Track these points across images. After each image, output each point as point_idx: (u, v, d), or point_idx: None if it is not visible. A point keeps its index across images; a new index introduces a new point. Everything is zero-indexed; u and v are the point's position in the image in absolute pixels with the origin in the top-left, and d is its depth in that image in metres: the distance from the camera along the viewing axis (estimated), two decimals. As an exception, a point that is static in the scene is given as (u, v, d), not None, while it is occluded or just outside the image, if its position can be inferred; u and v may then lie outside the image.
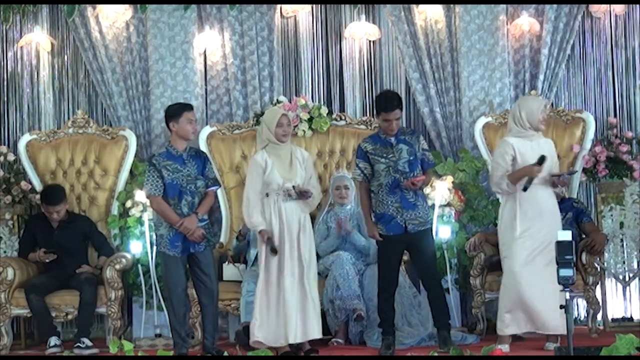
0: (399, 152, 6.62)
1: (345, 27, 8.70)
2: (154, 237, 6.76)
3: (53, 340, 7.29)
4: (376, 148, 6.66)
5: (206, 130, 8.23)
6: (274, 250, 6.49)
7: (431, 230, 6.87)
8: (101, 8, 8.56)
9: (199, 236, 6.51)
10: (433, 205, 7.61)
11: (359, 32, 8.68)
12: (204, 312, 6.71)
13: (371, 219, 6.68)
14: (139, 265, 7.74)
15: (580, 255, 7.29)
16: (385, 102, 6.65)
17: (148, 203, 7.25)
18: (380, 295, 6.72)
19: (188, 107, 6.73)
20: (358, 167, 6.69)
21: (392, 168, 6.61)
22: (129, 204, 7.88)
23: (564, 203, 7.33)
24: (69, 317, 7.49)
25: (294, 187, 6.53)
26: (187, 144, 6.67)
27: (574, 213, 7.43)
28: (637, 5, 8.54)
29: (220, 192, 7.84)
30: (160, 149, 8.33)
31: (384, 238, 6.63)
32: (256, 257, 7.59)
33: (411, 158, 6.62)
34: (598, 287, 7.53)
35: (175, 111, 6.63)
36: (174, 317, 6.58)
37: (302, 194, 6.54)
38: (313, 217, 7.86)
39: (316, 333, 6.55)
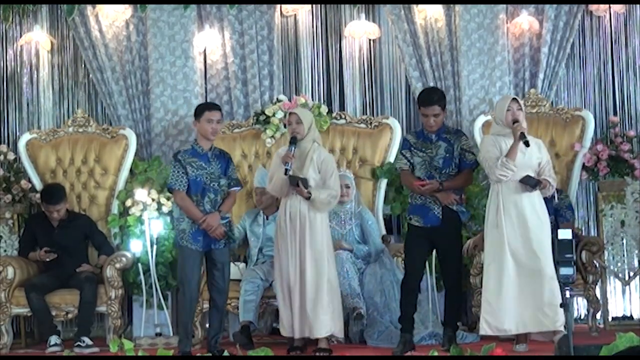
0: (437, 148, 6.66)
1: (345, 26, 8.70)
2: (175, 232, 6.82)
3: (53, 339, 7.29)
4: (417, 142, 6.72)
5: (206, 129, 8.22)
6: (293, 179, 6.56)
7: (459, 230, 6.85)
8: (101, 7, 8.56)
9: (220, 233, 6.60)
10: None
11: (359, 30, 8.68)
12: (213, 309, 6.76)
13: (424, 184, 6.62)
14: (139, 264, 7.73)
15: (580, 254, 7.29)
16: (424, 97, 6.71)
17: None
18: (402, 288, 6.71)
19: (210, 106, 6.81)
20: (404, 156, 6.73)
21: (428, 163, 6.65)
22: (129, 202, 7.88)
23: (547, 203, 6.92)
24: (69, 316, 7.49)
25: (294, 177, 6.55)
26: (212, 143, 6.75)
27: (554, 216, 7.22)
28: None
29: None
30: (162, 149, 8.43)
31: (417, 229, 6.64)
32: (257, 257, 7.62)
33: (447, 155, 6.65)
34: (598, 286, 7.54)
35: (198, 110, 6.75)
36: (183, 310, 6.65)
37: (296, 187, 6.56)
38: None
39: (315, 332, 6.56)
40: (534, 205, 6.45)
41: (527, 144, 6.39)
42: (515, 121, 6.48)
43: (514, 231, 6.44)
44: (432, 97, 6.66)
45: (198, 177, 6.60)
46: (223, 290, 6.72)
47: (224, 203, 6.69)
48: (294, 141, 6.64)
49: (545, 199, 6.61)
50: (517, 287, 6.42)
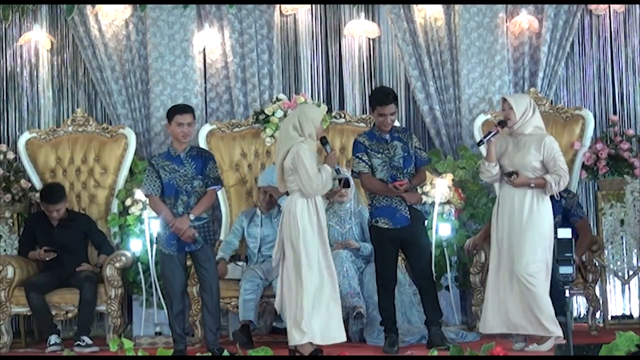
0: (394, 148, 6.69)
1: (345, 25, 8.70)
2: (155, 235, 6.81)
3: (53, 339, 7.29)
4: (372, 144, 6.72)
5: (206, 129, 8.22)
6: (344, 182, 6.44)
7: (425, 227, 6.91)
8: (100, 6, 8.55)
9: (188, 237, 6.57)
10: (433, 203, 7.61)
11: (359, 30, 8.68)
12: (203, 308, 6.78)
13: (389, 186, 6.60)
14: (139, 264, 7.73)
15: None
16: (381, 96, 6.71)
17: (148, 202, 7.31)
18: (380, 292, 6.72)
19: (180, 109, 6.79)
20: (361, 160, 6.67)
21: (388, 164, 6.67)
22: (128, 202, 7.87)
23: (553, 203, 6.90)
24: (69, 315, 7.49)
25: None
26: (187, 144, 6.73)
27: (562, 214, 7.23)
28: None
29: (220, 190, 7.81)
30: (162, 148, 8.43)
31: (386, 232, 6.63)
32: (257, 258, 7.62)
33: (405, 154, 6.70)
34: (598, 285, 7.55)
35: (169, 113, 6.76)
36: (170, 313, 6.70)
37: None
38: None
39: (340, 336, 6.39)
40: (523, 205, 6.44)
41: (479, 143, 6.58)
42: (503, 120, 6.54)
43: (503, 230, 6.48)
44: (389, 96, 6.71)
45: (171, 180, 6.61)
46: (210, 289, 6.70)
47: (198, 204, 6.63)
48: (327, 141, 6.56)
49: (555, 201, 6.63)
50: (495, 286, 6.48)
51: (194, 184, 6.64)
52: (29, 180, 8.15)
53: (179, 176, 6.61)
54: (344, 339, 6.37)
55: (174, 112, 6.75)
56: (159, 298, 7.73)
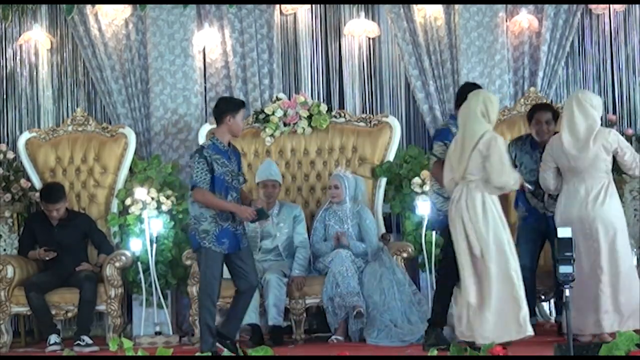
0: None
1: (345, 25, 8.71)
2: (196, 232, 6.43)
3: (53, 338, 7.29)
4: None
5: (206, 128, 8.21)
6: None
7: None
8: (100, 6, 8.56)
9: (252, 213, 6.39)
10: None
11: (358, 29, 8.68)
12: (239, 304, 6.60)
13: None
14: (139, 263, 7.73)
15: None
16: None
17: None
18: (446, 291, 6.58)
19: (244, 104, 6.68)
20: (446, 145, 6.41)
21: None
22: (128, 201, 7.87)
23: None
24: (69, 314, 7.49)
25: None
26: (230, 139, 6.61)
27: None
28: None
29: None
30: (162, 147, 8.42)
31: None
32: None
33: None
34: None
35: (235, 106, 6.54)
36: (208, 312, 6.41)
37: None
38: (312, 213, 7.91)
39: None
40: None
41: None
42: None
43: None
44: None
45: (222, 175, 6.42)
46: (254, 285, 6.60)
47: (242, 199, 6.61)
48: None
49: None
50: None
51: (240, 181, 6.61)
52: (29, 179, 8.15)
53: (228, 172, 6.46)
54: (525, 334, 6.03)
55: (241, 105, 6.57)
56: (159, 298, 7.73)
